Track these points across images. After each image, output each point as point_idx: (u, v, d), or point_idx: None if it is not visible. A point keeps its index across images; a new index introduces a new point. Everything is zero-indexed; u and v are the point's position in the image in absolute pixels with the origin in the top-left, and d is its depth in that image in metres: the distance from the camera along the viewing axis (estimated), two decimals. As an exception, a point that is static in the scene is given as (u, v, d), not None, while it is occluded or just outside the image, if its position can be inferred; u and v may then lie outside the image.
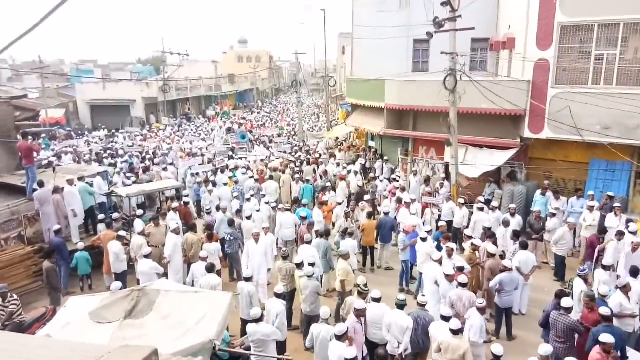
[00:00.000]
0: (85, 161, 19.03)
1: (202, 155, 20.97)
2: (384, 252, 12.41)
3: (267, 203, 13.70)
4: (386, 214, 12.23)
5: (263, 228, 10.75)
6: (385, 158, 19.21)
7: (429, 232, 10.58)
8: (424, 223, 12.63)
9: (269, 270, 10.53)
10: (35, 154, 12.27)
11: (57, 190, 11.67)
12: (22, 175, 12.49)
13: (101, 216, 12.51)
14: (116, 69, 69.29)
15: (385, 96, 17.68)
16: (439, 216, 13.18)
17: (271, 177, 16.38)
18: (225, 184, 15.57)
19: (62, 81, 49.34)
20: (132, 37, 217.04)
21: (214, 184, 15.58)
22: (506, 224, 11.31)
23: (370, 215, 12.26)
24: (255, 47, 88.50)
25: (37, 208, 11.46)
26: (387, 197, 14.76)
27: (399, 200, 13.25)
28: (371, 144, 21.77)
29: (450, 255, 9.43)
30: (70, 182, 12.01)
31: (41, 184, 11.45)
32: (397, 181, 15.84)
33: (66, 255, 10.84)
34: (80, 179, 12.59)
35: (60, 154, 20.90)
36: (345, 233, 11.12)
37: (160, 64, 48.83)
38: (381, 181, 16.50)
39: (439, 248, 10.17)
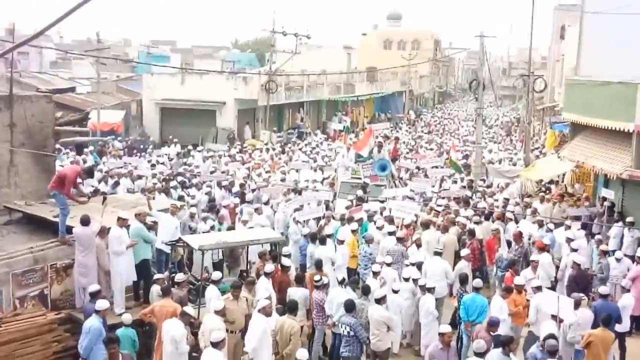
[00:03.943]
0: (144, 190, 20.91)
1: (316, 191, 21.73)
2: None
3: (406, 279, 14.01)
4: (604, 296, 12.51)
5: None
6: (628, 219, 18.44)
7: None
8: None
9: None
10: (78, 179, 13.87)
11: (102, 232, 13.01)
12: (55, 206, 14.02)
13: (158, 275, 13.48)
14: (202, 55, 75.93)
15: (636, 112, 17.48)
16: None
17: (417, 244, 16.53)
18: (342, 242, 15.93)
19: (125, 70, 55.68)
20: (227, 10, 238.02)
21: (323, 241, 15.93)
22: None
23: (606, 322, 11.77)
24: (412, 27, 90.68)
25: (80, 255, 12.70)
26: (628, 290, 14.07)
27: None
28: (605, 193, 20.77)
29: None
30: (122, 222, 13.28)
31: (85, 221, 12.81)
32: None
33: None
34: (138, 216, 13.85)
35: (110, 178, 23.15)
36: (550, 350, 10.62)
37: (266, 49, 52.13)
38: (618, 260, 15.95)
39: None
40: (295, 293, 13.19)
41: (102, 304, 11.42)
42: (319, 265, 14.31)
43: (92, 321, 11.15)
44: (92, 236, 12.80)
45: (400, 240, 16.31)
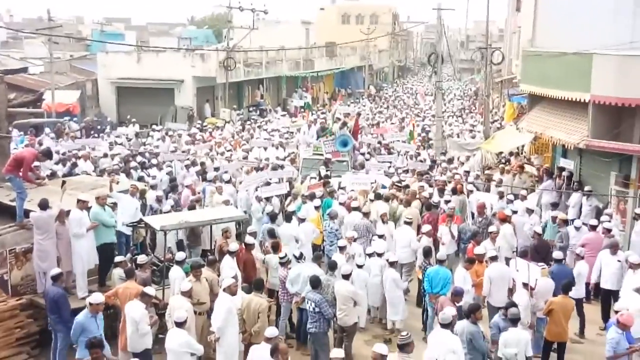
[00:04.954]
0: (104, 171, 20.62)
1: (277, 167, 21.67)
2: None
3: (376, 254, 14.19)
4: (559, 260, 13.38)
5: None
6: (586, 188, 18.74)
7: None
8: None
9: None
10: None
11: (61, 215, 12.82)
12: (11, 189, 13.83)
13: (119, 258, 13.37)
14: (157, 32, 75.01)
15: (591, 82, 17.48)
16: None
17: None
18: (303, 219, 16.05)
19: (79, 49, 54.66)
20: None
21: (288, 218, 16.07)
22: None
23: (566, 289, 12.00)
24: (370, 1, 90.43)
25: (38, 239, 12.48)
26: (582, 257, 14.33)
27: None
28: (563, 163, 21.11)
29: None
30: (83, 205, 13.09)
31: (44, 205, 12.59)
32: (609, 230, 15.28)
33: (66, 316, 11.61)
34: (98, 199, 13.62)
35: (67, 160, 22.75)
36: (511, 318, 10.82)
37: (223, 25, 51.77)
38: (577, 228, 16.16)
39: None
40: (272, 259, 13.81)
41: (95, 297, 10.89)
42: (272, 233, 14.93)
43: (79, 315, 10.86)
44: (51, 220, 12.62)
45: (366, 214, 16.39)
